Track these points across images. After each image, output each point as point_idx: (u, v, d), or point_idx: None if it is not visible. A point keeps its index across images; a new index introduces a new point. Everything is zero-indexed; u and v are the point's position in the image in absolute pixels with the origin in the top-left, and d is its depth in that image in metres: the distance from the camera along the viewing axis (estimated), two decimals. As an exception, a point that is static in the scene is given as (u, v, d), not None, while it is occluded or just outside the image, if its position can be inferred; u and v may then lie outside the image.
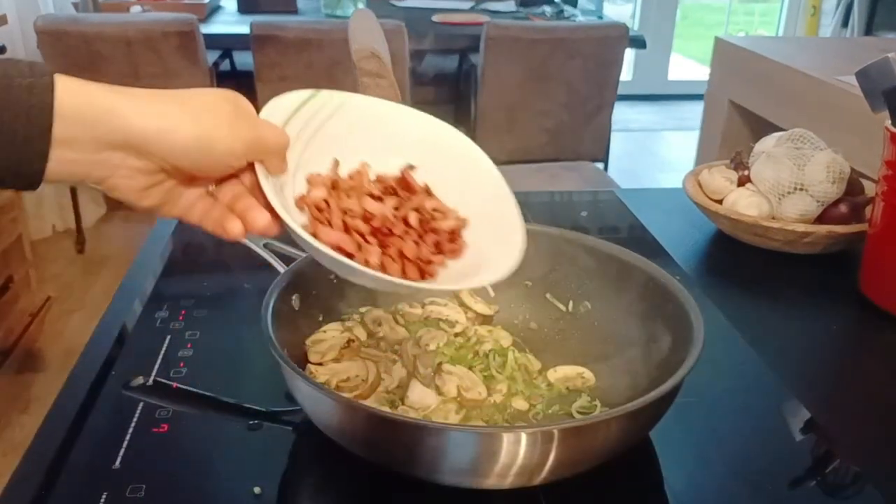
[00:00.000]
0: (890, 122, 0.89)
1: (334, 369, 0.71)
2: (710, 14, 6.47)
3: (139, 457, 0.65)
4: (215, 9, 3.23)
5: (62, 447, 0.66)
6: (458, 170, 0.67)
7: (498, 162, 0.70)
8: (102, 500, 0.60)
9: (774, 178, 1.05)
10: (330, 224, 0.59)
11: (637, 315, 0.76)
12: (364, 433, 0.61)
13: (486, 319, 0.83)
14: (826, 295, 1.00)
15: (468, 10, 3.27)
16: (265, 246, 0.77)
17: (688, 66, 5.56)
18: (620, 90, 2.74)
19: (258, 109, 0.58)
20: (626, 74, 4.86)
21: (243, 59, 2.99)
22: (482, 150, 0.68)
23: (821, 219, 1.05)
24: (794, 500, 0.65)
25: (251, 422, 0.70)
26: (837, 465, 0.70)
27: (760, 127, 2.06)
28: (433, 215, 0.64)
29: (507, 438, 0.56)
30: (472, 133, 2.73)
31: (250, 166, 0.56)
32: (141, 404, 0.72)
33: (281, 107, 0.61)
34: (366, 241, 0.60)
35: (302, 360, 0.72)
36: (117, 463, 0.64)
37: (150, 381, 0.75)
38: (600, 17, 3.61)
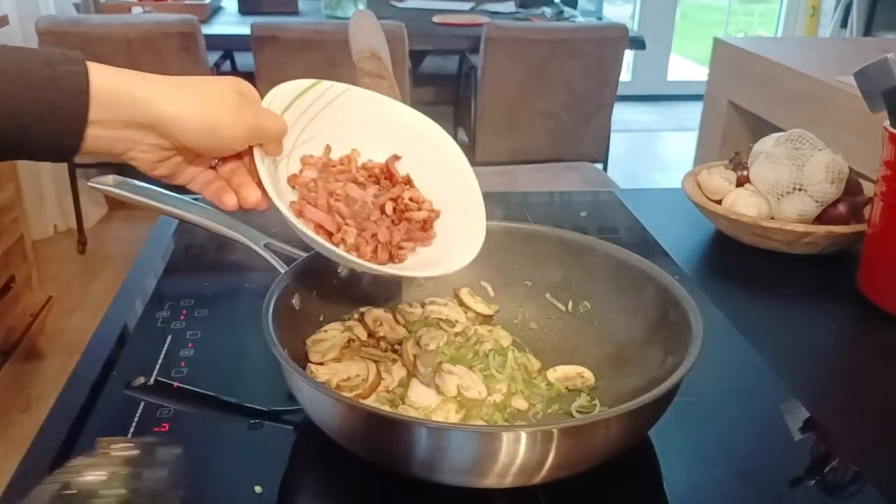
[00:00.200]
0: (889, 122, 0.89)
1: (335, 369, 0.71)
2: (710, 14, 6.47)
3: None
4: (216, 10, 3.23)
5: (63, 447, 0.66)
6: (438, 165, 0.72)
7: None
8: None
9: (773, 179, 1.06)
10: (316, 204, 0.66)
11: (636, 315, 0.76)
12: (364, 433, 0.61)
13: (486, 319, 0.83)
14: (825, 295, 1.00)
15: (468, 11, 3.27)
16: (266, 246, 0.78)
17: (687, 66, 5.56)
18: (620, 91, 2.74)
19: None
20: (625, 75, 4.88)
21: (244, 60, 2.99)
22: (463, 152, 0.74)
23: (820, 219, 1.05)
24: (794, 500, 0.66)
25: (252, 421, 0.70)
26: (836, 465, 0.70)
27: (759, 127, 2.07)
28: (408, 205, 0.69)
29: (506, 438, 0.56)
30: (471, 133, 2.73)
31: (250, 148, 0.62)
32: (142, 404, 0.72)
33: (284, 92, 0.67)
34: (345, 222, 0.66)
35: (302, 360, 0.73)
36: (119, 462, 0.64)
37: (152, 381, 0.75)
38: (600, 18, 3.61)
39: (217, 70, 2.87)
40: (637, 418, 0.61)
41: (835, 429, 0.74)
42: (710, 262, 1.10)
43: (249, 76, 2.63)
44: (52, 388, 2.08)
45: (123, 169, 0.68)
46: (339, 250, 0.63)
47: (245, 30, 2.54)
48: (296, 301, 0.74)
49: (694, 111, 3.92)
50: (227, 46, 2.98)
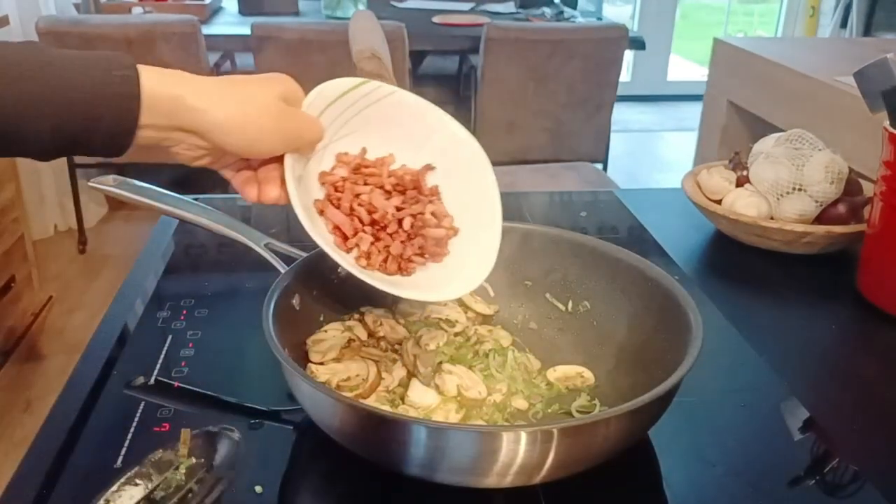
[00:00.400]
0: (888, 122, 0.89)
1: (335, 369, 0.71)
2: (710, 15, 6.46)
3: (141, 456, 0.65)
4: (216, 10, 3.23)
5: (64, 446, 0.66)
6: (468, 185, 0.72)
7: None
8: (103, 500, 0.60)
9: (773, 179, 1.06)
10: (339, 205, 0.67)
11: (636, 315, 0.76)
12: (364, 432, 0.61)
13: (486, 319, 0.83)
14: (824, 295, 1.00)
15: (468, 12, 3.28)
16: (266, 246, 0.78)
17: (687, 66, 5.56)
18: (620, 91, 2.74)
19: None
20: (625, 75, 4.88)
21: (244, 61, 2.99)
22: (495, 175, 0.73)
23: (819, 219, 1.05)
24: (794, 500, 0.66)
25: (252, 421, 0.70)
26: (836, 465, 0.70)
27: (759, 127, 2.06)
28: (427, 221, 0.69)
29: (506, 437, 0.56)
30: (472, 133, 2.72)
31: None
32: (142, 403, 0.72)
33: (329, 89, 0.68)
34: (363, 228, 0.67)
35: (303, 360, 0.73)
36: (119, 462, 0.64)
37: (152, 381, 0.75)
38: (600, 19, 3.61)
39: (217, 70, 2.87)
40: (637, 418, 0.61)
41: (835, 429, 0.74)
42: (709, 262, 1.10)
43: (249, 76, 2.63)
44: (52, 388, 2.08)
45: (124, 169, 0.68)
46: (344, 259, 0.64)
47: (245, 30, 2.54)
48: (296, 301, 0.74)
49: (694, 111, 3.92)
50: (228, 47, 2.98)
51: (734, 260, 1.08)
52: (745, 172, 1.11)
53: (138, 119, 0.55)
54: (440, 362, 0.74)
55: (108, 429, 0.69)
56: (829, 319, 0.95)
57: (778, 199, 1.05)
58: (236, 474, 0.64)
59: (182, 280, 0.97)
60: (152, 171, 2.90)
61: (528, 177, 2.35)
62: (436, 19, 3.06)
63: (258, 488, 0.62)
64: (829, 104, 1.82)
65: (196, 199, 0.81)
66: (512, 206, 1.23)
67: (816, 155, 1.05)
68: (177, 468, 0.62)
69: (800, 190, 1.04)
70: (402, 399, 0.70)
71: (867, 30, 3.97)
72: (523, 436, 0.56)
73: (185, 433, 0.66)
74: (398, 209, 0.69)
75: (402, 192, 0.70)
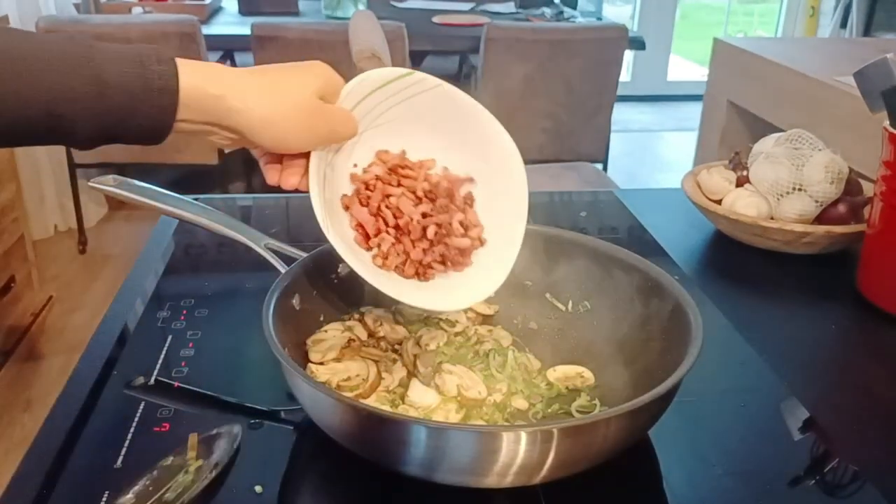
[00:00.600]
0: (888, 122, 0.89)
1: (335, 369, 0.71)
2: (710, 15, 6.46)
3: (141, 456, 0.65)
4: (216, 10, 3.23)
5: (64, 446, 0.66)
6: (504, 199, 0.72)
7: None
8: (104, 500, 0.60)
9: (773, 179, 1.06)
10: (367, 204, 0.67)
11: (636, 315, 0.76)
12: (364, 432, 0.61)
13: (486, 319, 0.83)
14: (825, 295, 1.00)
15: (468, 12, 3.27)
16: (266, 246, 0.78)
17: (687, 66, 5.56)
18: (620, 91, 2.74)
19: None
20: (625, 75, 4.87)
21: (244, 60, 2.99)
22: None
23: (819, 219, 1.05)
24: (793, 500, 0.66)
25: (252, 421, 0.70)
26: (836, 465, 0.70)
27: (759, 127, 2.06)
28: (451, 230, 0.69)
29: (506, 437, 0.56)
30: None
31: None
32: (142, 403, 0.72)
33: (376, 76, 0.67)
34: (387, 230, 0.67)
35: (303, 360, 0.73)
36: (119, 462, 0.64)
37: (152, 381, 0.75)
38: (599, 19, 3.61)
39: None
40: (637, 418, 0.61)
41: (834, 429, 0.74)
42: (709, 262, 1.10)
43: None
44: (52, 388, 2.08)
45: (124, 169, 0.69)
46: (353, 258, 0.63)
47: (245, 30, 2.54)
48: (296, 301, 0.74)
49: (694, 111, 3.92)
50: (227, 46, 2.98)
51: (734, 260, 1.08)
52: (745, 172, 1.11)
53: (175, 115, 0.57)
54: (440, 362, 0.74)
55: (108, 429, 0.69)
56: (829, 319, 0.95)
57: (778, 199, 1.05)
58: (236, 474, 0.64)
59: (182, 280, 0.97)
60: (152, 171, 2.91)
61: (528, 177, 2.34)
62: (436, 19, 3.06)
63: (258, 488, 0.62)
64: (829, 104, 1.82)
65: (196, 199, 0.81)
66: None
67: (816, 155, 1.05)
68: (186, 471, 0.62)
69: (800, 190, 1.04)
70: (402, 399, 0.70)
71: (867, 30, 3.97)
72: (523, 436, 0.56)
73: (193, 438, 0.66)
74: (424, 216, 0.68)
75: (433, 200, 0.69)
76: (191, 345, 0.81)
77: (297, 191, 0.66)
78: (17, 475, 0.63)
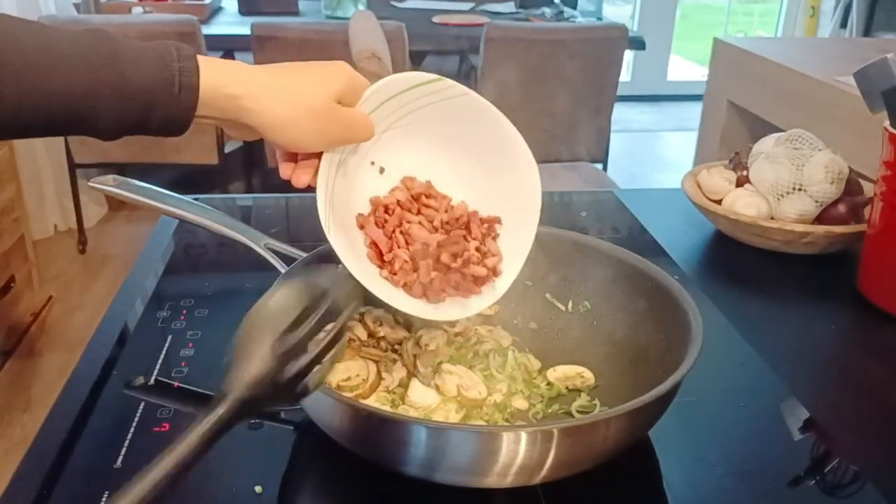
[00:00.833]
0: (888, 122, 0.89)
1: (335, 369, 0.71)
2: (710, 15, 6.46)
3: (141, 456, 0.65)
4: (216, 10, 3.23)
5: (64, 446, 0.66)
6: (525, 228, 0.71)
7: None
8: (104, 500, 0.60)
9: (773, 179, 1.06)
10: (383, 225, 0.68)
11: (636, 315, 0.76)
12: (364, 433, 0.61)
13: (486, 319, 0.83)
14: (825, 295, 1.00)
15: (468, 12, 3.27)
16: (266, 246, 0.78)
17: (687, 66, 5.56)
18: (620, 91, 2.74)
19: None
20: (625, 75, 4.87)
21: (244, 60, 2.98)
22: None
23: (819, 219, 1.05)
24: (794, 500, 0.66)
25: (252, 421, 0.70)
26: (836, 465, 0.70)
27: (759, 127, 2.06)
28: (469, 258, 0.68)
29: (506, 438, 0.56)
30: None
31: None
32: (142, 404, 0.72)
33: (401, 80, 0.67)
34: (398, 249, 0.67)
35: (303, 360, 0.73)
36: (118, 462, 0.64)
37: (152, 381, 0.75)
38: (600, 19, 3.61)
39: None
40: (637, 418, 0.61)
41: (834, 429, 0.74)
42: (709, 262, 1.10)
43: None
44: (52, 388, 2.08)
45: (124, 169, 0.69)
46: (366, 281, 0.63)
47: (245, 30, 2.54)
48: (296, 301, 0.74)
49: (694, 111, 3.92)
50: (227, 46, 2.98)
51: (734, 260, 1.08)
52: (745, 172, 1.11)
53: (195, 111, 0.58)
54: (440, 362, 0.74)
55: (108, 429, 0.69)
56: (829, 319, 0.95)
57: (778, 199, 1.05)
58: (236, 474, 0.64)
59: (182, 280, 0.97)
60: (152, 171, 2.91)
61: (528, 177, 2.34)
62: (436, 19, 3.06)
63: (258, 488, 0.62)
64: (830, 104, 1.82)
65: (196, 199, 0.81)
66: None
67: (816, 155, 1.05)
68: None
69: (800, 190, 1.04)
70: (402, 399, 0.70)
71: (867, 30, 3.97)
72: (523, 436, 0.56)
73: None
74: (439, 245, 0.68)
75: (448, 232, 0.69)
76: (191, 345, 0.81)
77: (309, 188, 0.66)
78: (17, 475, 0.63)
